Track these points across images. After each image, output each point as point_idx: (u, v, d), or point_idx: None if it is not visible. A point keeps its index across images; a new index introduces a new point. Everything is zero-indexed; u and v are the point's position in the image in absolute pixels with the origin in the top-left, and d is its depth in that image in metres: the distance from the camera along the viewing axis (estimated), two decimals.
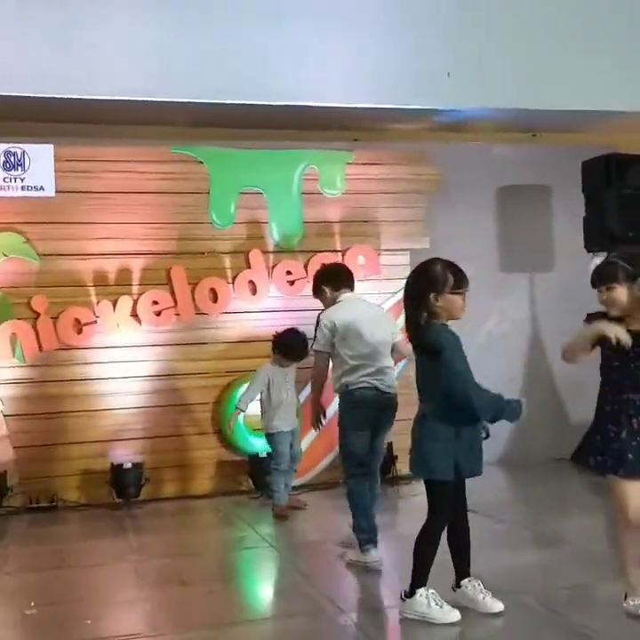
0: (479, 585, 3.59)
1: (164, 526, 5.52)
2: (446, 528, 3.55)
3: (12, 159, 6.09)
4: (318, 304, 6.63)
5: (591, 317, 3.52)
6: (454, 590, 3.62)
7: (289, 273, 6.63)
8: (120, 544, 5.03)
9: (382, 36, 6.14)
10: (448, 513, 3.50)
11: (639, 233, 6.59)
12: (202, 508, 6.00)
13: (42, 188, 6.14)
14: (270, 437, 5.78)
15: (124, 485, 5.99)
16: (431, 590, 3.48)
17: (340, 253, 6.71)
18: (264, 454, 6.30)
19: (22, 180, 6.11)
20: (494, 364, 7.07)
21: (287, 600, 4.05)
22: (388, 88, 6.14)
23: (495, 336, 7.24)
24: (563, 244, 7.36)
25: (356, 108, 6.17)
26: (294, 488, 6.37)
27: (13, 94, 5.83)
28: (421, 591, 3.47)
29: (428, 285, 3.49)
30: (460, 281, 3.50)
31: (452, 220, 6.71)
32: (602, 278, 3.42)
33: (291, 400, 5.83)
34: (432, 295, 3.46)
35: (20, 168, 6.10)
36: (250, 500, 6.17)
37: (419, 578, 3.49)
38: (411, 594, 3.49)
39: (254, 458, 6.32)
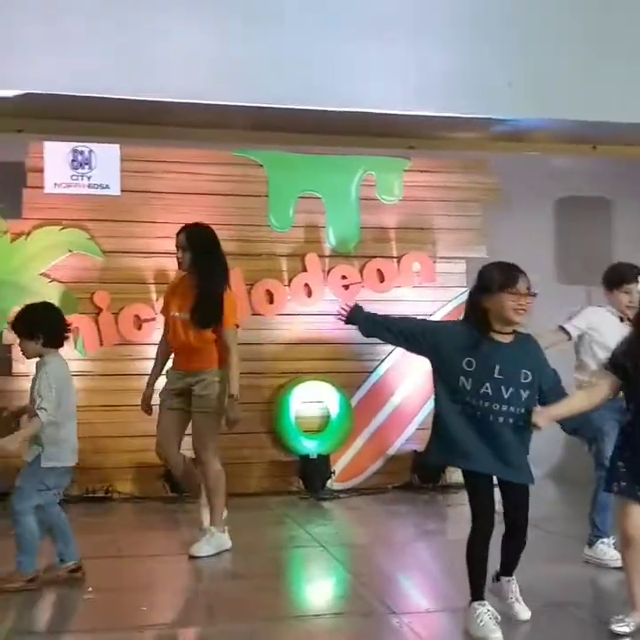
0: (514, 588, 3.51)
1: None
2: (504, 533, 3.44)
3: (80, 158, 6.28)
4: (374, 309, 6.67)
5: None
6: (493, 581, 3.54)
7: (344, 277, 6.70)
8: (174, 537, 5.14)
9: (443, 44, 6.17)
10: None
11: None
12: (252, 505, 6.07)
13: (107, 187, 6.31)
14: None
15: (176, 480, 6.08)
16: (487, 607, 3.33)
17: (395, 259, 6.76)
18: (315, 456, 6.37)
19: (89, 179, 6.29)
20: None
21: (339, 599, 4.11)
22: (447, 97, 6.17)
23: (550, 348, 7.16)
24: (622, 257, 7.25)
25: (415, 115, 6.22)
26: (341, 492, 6.43)
27: (82, 95, 6.01)
28: (475, 605, 3.35)
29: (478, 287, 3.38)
30: (510, 279, 3.31)
31: (510, 230, 6.71)
32: None
33: None
34: (483, 297, 3.32)
35: (87, 166, 6.28)
36: (300, 500, 6.23)
37: (471, 586, 3.38)
38: (469, 604, 3.37)
39: (305, 459, 6.38)
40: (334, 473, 6.47)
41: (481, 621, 3.29)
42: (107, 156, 6.32)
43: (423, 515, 5.99)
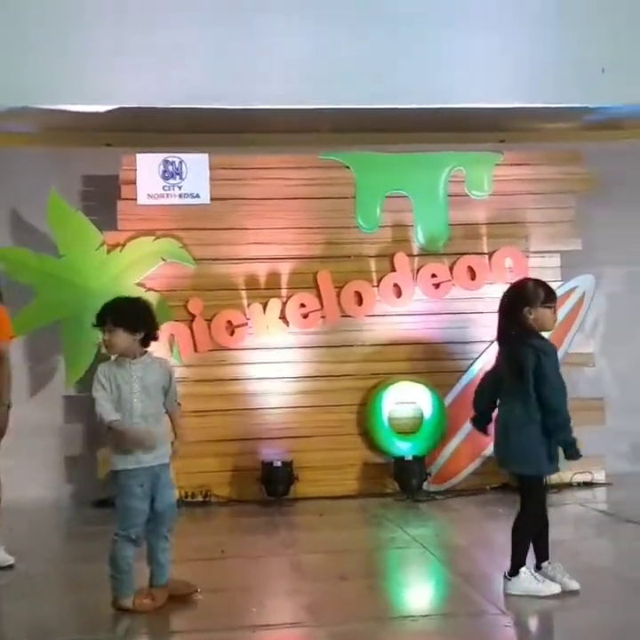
0: (559, 566, 3.83)
1: (314, 524, 5.62)
2: None
3: (171, 168, 6.41)
4: (465, 307, 6.63)
5: None
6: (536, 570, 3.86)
7: (434, 276, 6.62)
8: (274, 539, 5.17)
9: (531, 33, 6.07)
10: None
11: None
12: (349, 507, 6.07)
13: (197, 196, 6.43)
14: (113, 477, 3.82)
15: (274, 483, 6.14)
16: (531, 568, 3.79)
17: (486, 256, 6.65)
18: (410, 457, 6.31)
19: (180, 188, 6.42)
20: None
21: (447, 599, 4.05)
22: (538, 86, 6.07)
23: None
24: None
25: (505, 108, 6.12)
26: (437, 493, 6.35)
27: (171, 106, 6.16)
28: (524, 570, 3.75)
29: (522, 300, 3.81)
30: (549, 296, 3.82)
31: (606, 221, 6.51)
32: None
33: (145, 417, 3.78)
34: (526, 309, 3.76)
35: (177, 177, 6.41)
36: (395, 502, 6.18)
37: (521, 558, 3.77)
38: (515, 573, 3.76)
39: (399, 460, 6.33)
40: (430, 474, 6.40)
41: (538, 579, 3.74)
42: (196, 166, 6.44)
43: None
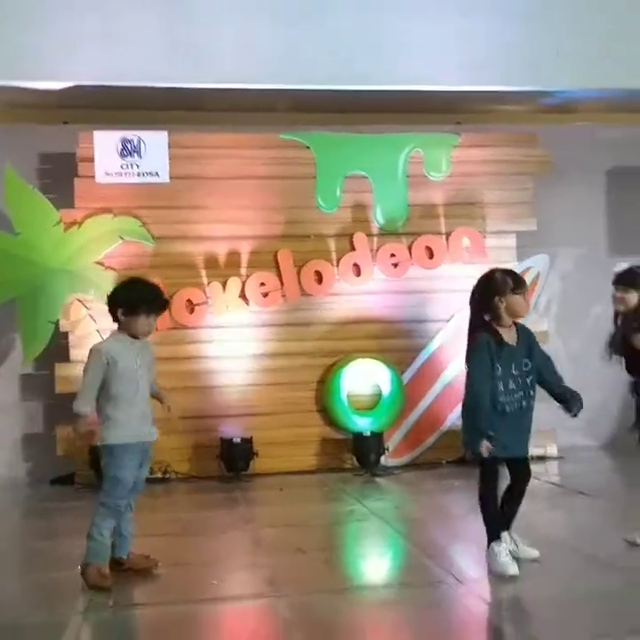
0: (517, 537, 3.90)
1: (273, 499, 5.70)
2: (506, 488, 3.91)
3: (129, 146, 6.36)
4: (423, 286, 6.73)
5: None
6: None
7: (393, 255, 6.71)
8: (234, 514, 5.24)
9: (487, 16, 6.12)
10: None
11: None
12: (308, 482, 6.16)
13: (157, 174, 6.40)
14: (107, 451, 3.84)
15: (233, 459, 6.20)
16: (504, 544, 3.78)
17: (444, 236, 6.75)
18: (368, 433, 6.42)
19: (138, 167, 6.38)
20: (601, 348, 6.98)
21: (405, 570, 4.15)
22: (494, 70, 6.15)
23: (603, 320, 7.09)
24: None
25: (461, 90, 6.19)
26: (395, 468, 6.47)
27: (129, 84, 6.10)
28: (493, 545, 3.80)
29: (492, 290, 3.78)
30: (518, 282, 3.81)
31: (561, 202, 6.66)
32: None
33: (143, 394, 3.94)
34: (496, 298, 3.75)
35: (136, 155, 6.36)
36: (354, 476, 6.29)
37: (489, 531, 3.83)
38: (488, 545, 3.83)
39: (358, 436, 6.43)
40: (388, 449, 6.52)
41: (500, 558, 3.73)
42: (155, 144, 6.40)
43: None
